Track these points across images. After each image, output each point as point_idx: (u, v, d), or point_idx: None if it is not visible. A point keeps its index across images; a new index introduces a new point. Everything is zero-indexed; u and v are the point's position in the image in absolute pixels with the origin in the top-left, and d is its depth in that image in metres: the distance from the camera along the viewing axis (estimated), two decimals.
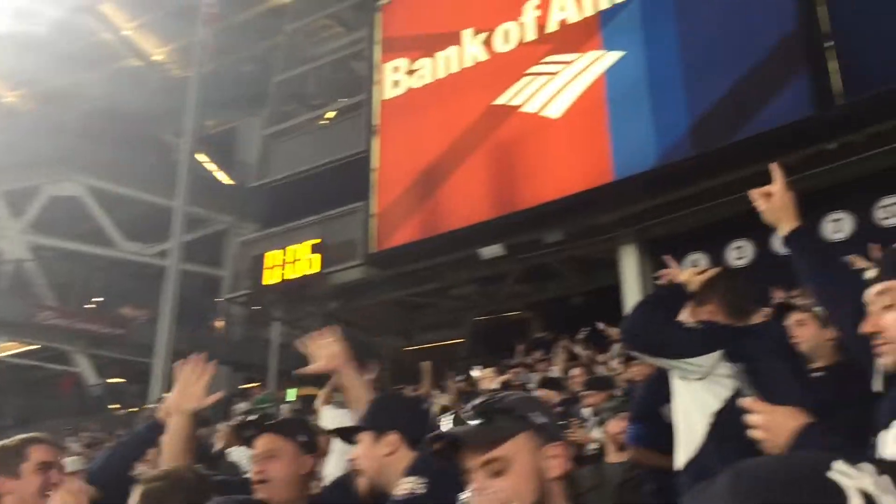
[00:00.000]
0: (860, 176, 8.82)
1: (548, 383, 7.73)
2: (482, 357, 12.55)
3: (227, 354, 20.72)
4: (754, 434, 1.79)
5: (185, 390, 2.75)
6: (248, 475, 2.67)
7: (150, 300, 20.14)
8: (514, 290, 14.05)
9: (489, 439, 1.42)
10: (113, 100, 23.87)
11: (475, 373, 9.15)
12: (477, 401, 1.51)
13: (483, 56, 12.12)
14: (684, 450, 2.67)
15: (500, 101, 11.58)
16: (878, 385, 2.03)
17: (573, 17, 11.20)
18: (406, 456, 2.19)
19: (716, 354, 2.56)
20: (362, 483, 2.35)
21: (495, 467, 1.41)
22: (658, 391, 3.75)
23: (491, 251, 11.34)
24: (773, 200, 2.46)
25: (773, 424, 1.73)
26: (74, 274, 25.06)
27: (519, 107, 11.36)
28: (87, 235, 24.11)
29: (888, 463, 1.37)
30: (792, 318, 3.46)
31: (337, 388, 3.16)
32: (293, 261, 13.25)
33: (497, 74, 11.79)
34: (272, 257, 13.54)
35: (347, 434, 2.41)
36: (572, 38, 11.09)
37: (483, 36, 12.16)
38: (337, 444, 3.42)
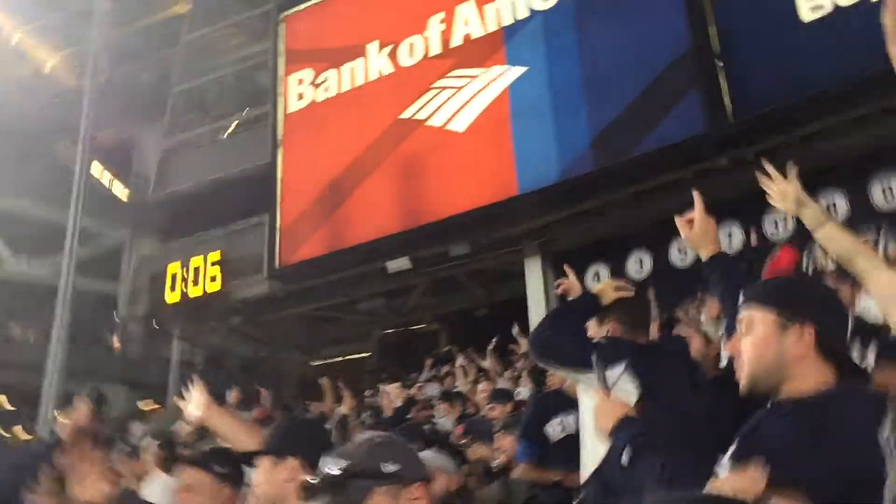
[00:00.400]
0: (751, 191, 9.20)
1: (450, 397, 7.77)
2: (390, 371, 12.51)
3: (124, 374, 19.97)
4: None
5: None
6: None
7: (40, 319, 19.21)
8: (421, 303, 14.07)
9: None
10: (0, 109, 22.71)
11: (383, 388, 9.14)
12: (326, 469, 1.50)
13: (388, 69, 12.11)
14: (591, 462, 2.72)
15: (406, 114, 11.59)
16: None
17: (477, 31, 11.34)
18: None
19: (619, 368, 2.61)
20: None
21: None
22: (543, 410, 3.83)
23: (397, 264, 11.32)
24: (695, 227, 2.54)
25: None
26: None
27: (424, 120, 11.40)
28: None
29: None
30: (679, 332, 3.58)
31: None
32: (194, 276, 12.87)
33: (403, 88, 11.81)
34: (172, 272, 13.12)
35: (247, 459, 2.36)
36: (476, 52, 11.22)
37: (388, 49, 12.16)
38: None
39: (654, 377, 2.54)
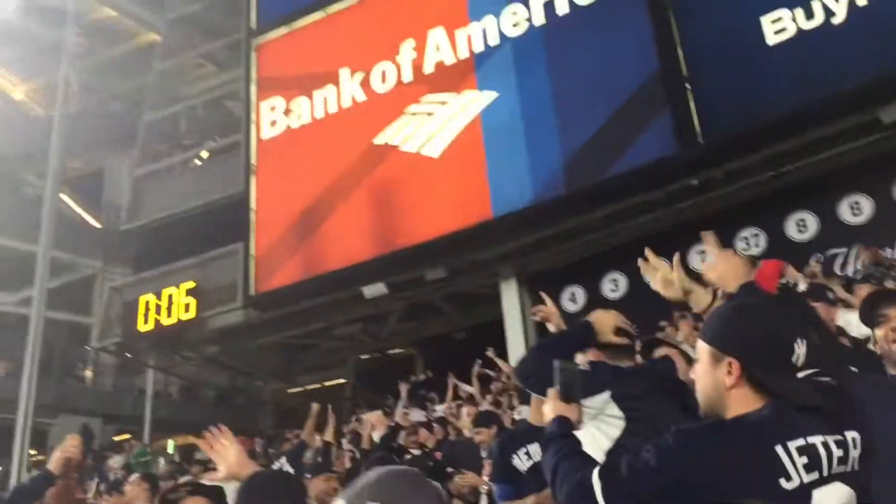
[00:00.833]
0: (722, 210, 9.40)
1: (431, 423, 7.77)
2: (367, 397, 12.45)
3: (97, 406, 19.67)
4: None
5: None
6: None
7: (9, 351, 18.89)
8: (398, 328, 14.06)
9: None
10: None
11: (364, 416, 9.09)
12: None
13: (361, 96, 12.16)
14: None
15: (379, 140, 11.64)
16: None
17: (448, 58, 11.45)
18: None
19: (604, 396, 2.64)
20: None
21: None
22: (507, 448, 3.86)
23: (373, 290, 11.31)
24: (675, 286, 2.55)
25: None
26: None
27: (398, 146, 11.47)
28: None
29: None
30: (660, 354, 3.60)
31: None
32: (168, 306, 12.75)
33: (375, 114, 11.86)
34: (146, 303, 12.98)
35: None
36: (448, 78, 11.32)
37: (361, 76, 12.21)
38: None
39: (640, 403, 2.56)
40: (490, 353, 9.63)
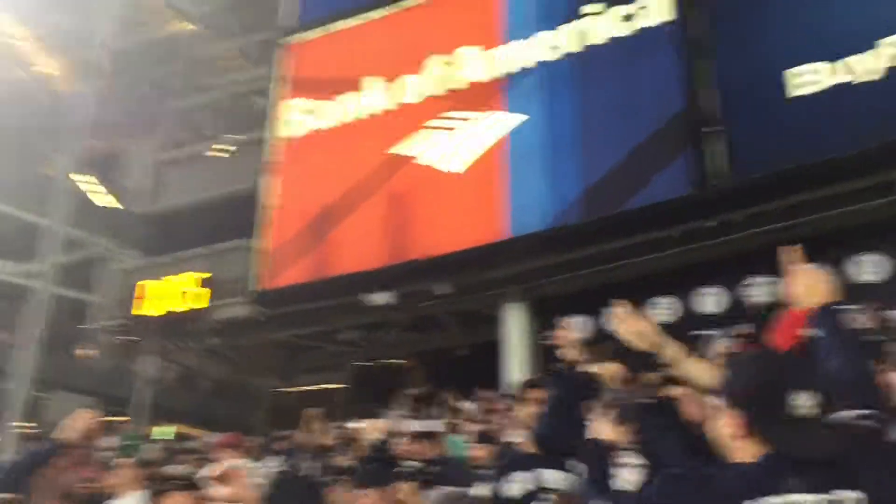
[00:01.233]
0: (738, 253, 9.41)
1: (422, 437, 7.74)
2: (361, 403, 12.42)
3: (94, 385, 19.63)
4: None
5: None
6: None
7: (8, 323, 18.90)
8: (399, 338, 14.05)
9: None
10: None
11: (357, 424, 9.06)
12: None
13: (385, 104, 12.24)
14: None
15: (399, 150, 11.72)
16: None
17: (478, 76, 11.52)
18: None
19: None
20: None
21: None
22: (501, 474, 3.87)
23: (381, 298, 11.32)
24: (647, 337, 2.60)
25: None
26: None
27: (416, 158, 11.53)
28: None
29: None
30: (674, 393, 3.61)
31: None
32: (177, 292, 12.80)
33: (397, 124, 11.94)
34: (154, 287, 13.03)
35: None
36: (476, 96, 11.40)
37: (386, 85, 12.31)
38: None
39: (653, 445, 2.60)
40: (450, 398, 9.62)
